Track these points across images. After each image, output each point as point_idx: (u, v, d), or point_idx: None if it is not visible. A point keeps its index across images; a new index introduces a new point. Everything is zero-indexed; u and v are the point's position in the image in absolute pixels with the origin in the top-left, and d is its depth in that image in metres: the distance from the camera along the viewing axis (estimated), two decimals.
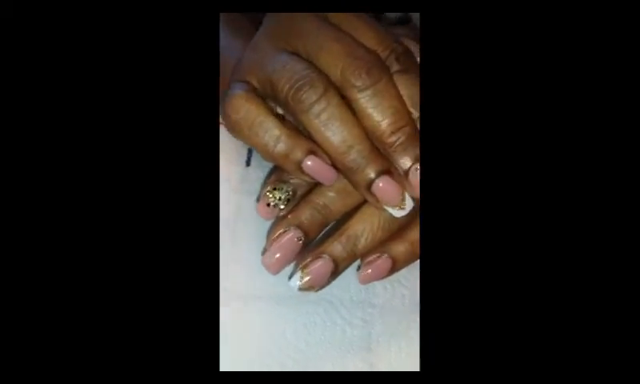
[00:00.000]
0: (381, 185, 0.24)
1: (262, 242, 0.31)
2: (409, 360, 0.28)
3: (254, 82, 0.26)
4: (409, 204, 0.25)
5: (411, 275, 0.31)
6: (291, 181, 0.27)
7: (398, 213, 0.25)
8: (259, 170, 0.34)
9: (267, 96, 0.26)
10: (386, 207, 0.25)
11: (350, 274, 0.31)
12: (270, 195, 0.26)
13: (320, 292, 0.30)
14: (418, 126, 0.25)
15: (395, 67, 0.25)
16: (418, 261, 0.31)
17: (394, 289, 0.31)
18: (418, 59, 0.27)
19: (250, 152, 0.36)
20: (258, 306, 0.29)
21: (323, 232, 0.28)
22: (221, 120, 0.36)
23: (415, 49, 0.27)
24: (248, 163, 0.35)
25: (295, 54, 0.25)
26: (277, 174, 0.27)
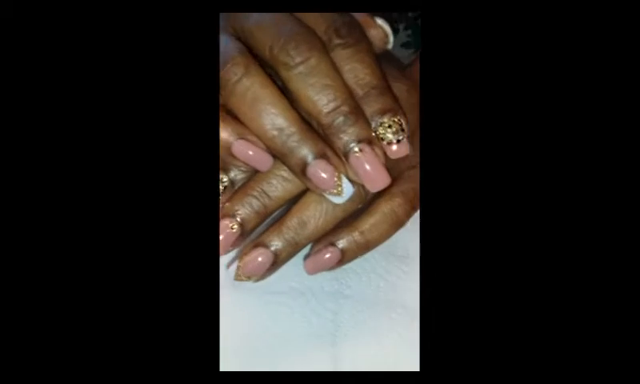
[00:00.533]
0: (313, 171, 0.23)
1: None
2: (374, 360, 0.27)
3: None
4: (347, 189, 0.23)
5: (391, 265, 0.29)
6: (232, 169, 0.26)
7: (337, 199, 0.24)
8: None
9: None
10: (323, 193, 0.24)
11: None
12: None
13: (291, 281, 0.29)
14: (368, 103, 0.23)
15: (335, 41, 0.23)
16: (400, 250, 0.30)
17: (370, 280, 0.29)
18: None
19: None
20: (225, 293, 0.29)
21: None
22: None
23: (366, 20, 0.24)
24: None
25: (234, 36, 0.24)
26: None
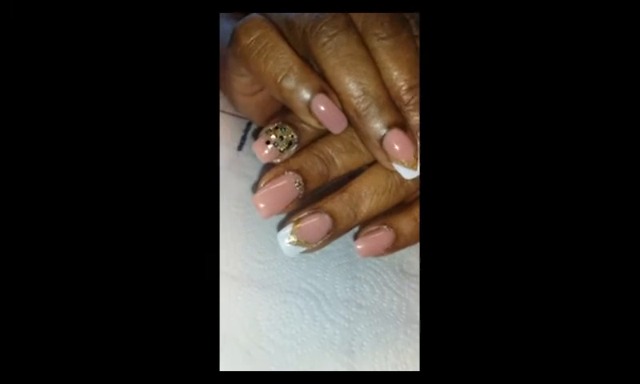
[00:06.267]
0: (393, 138, 0.22)
1: (244, 223, 0.29)
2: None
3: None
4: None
5: (403, 283, 0.28)
6: (296, 125, 0.24)
7: (410, 173, 0.23)
8: (250, 156, 0.32)
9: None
10: (396, 166, 0.23)
11: (336, 269, 0.28)
12: (272, 133, 0.23)
13: (302, 283, 0.27)
14: None
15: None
16: (410, 269, 0.29)
17: (384, 293, 0.27)
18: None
19: (243, 139, 0.34)
20: (232, 287, 0.26)
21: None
22: (221, 108, 0.34)
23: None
24: (240, 148, 0.33)
25: None
26: (281, 116, 0.24)
